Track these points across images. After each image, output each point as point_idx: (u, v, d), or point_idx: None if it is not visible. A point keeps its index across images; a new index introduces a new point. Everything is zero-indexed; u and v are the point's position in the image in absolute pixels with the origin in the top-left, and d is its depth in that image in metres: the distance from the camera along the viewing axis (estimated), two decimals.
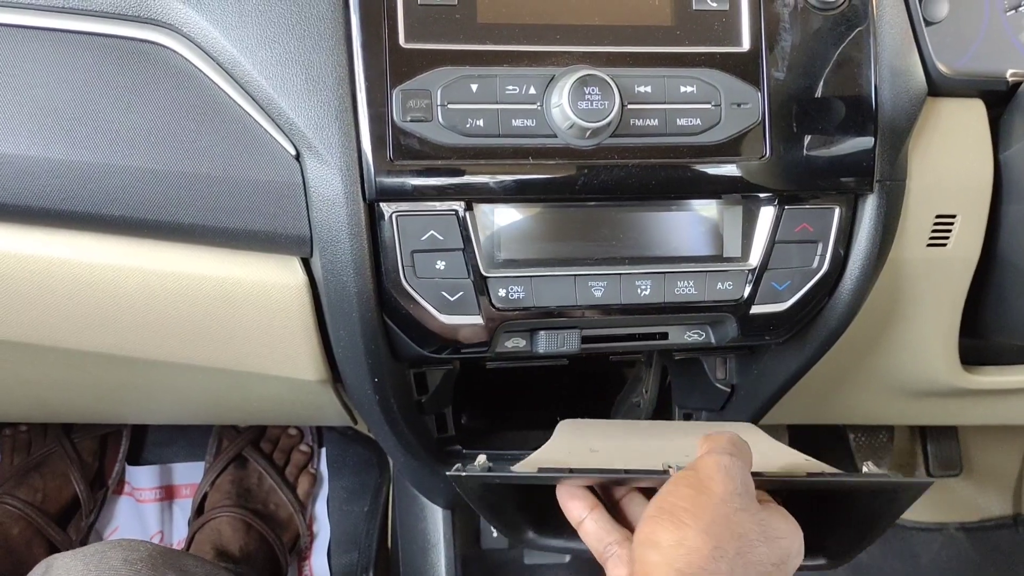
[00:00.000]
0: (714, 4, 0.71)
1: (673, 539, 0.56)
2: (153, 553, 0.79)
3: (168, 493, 1.48)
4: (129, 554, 0.78)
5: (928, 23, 0.80)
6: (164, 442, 1.51)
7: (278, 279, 0.72)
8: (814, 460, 0.74)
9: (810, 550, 0.66)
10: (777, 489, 0.69)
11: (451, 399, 0.93)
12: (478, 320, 0.71)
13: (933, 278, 0.84)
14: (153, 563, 0.78)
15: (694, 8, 0.71)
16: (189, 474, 1.49)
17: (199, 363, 0.80)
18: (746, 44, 0.71)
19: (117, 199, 0.67)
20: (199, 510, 1.41)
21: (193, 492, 1.47)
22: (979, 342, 0.94)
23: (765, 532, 0.59)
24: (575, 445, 0.78)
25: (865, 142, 0.73)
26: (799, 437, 1.49)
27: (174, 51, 0.67)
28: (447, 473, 0.68)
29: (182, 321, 0.75)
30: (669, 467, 0.65)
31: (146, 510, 1.45)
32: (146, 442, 1.51)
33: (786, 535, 0.61)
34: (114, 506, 1.46)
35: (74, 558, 0.78)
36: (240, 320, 0.74)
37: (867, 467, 0.69)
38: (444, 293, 0.70)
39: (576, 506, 0.67)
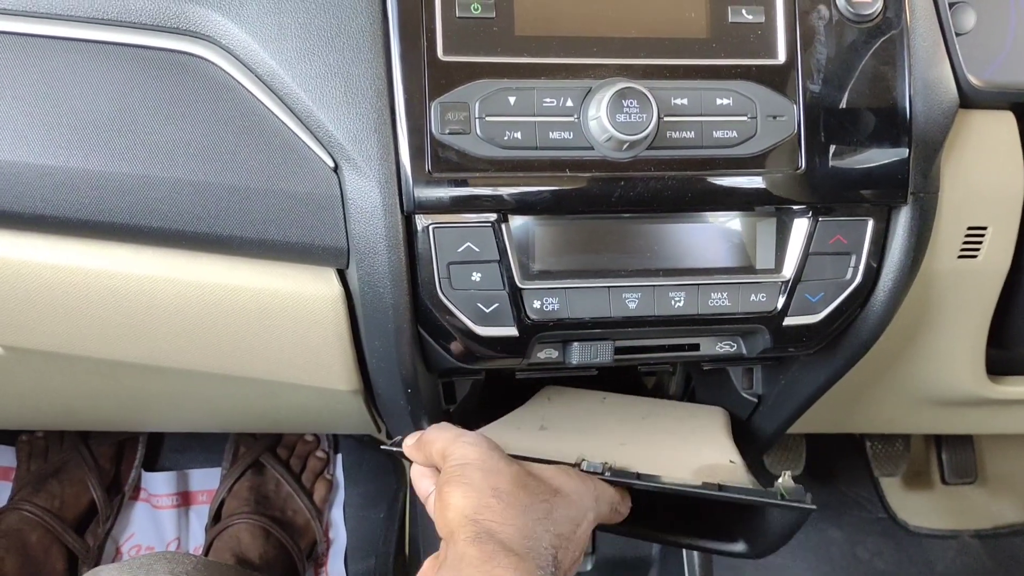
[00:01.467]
0: (750, 17, 0.71)
1: (457, 496, 0.63)
2: (198, 565, 0.79)
3: (185, 499, 1.48)
4: (175, 566, 0.78)
5: (957, 34, 0.80)
6: (180, 448, 1.51)
7: (314, 290, 0.73)
8: (739, 464, 0.78)
9: (731, 539, 0.77)
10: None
11: (476, 409, 0.93)
12: (513, 331, 0.71)
13: (963, 289, 0.84)
14: (198, 575, 0.78)
15: (730, 21, 0.71)
16: (206, 480, 1.49)
17: (232, 373, 0.80)
18: (782, 56, 0.71)
19: (155, 211, 0.67)
20: (216, 517, 1.41)
21: (210, 498, 1.46)
22: (1005, 352, 0.94)
23: (531, 473, 0.67)
24: (530, 420, 0.83)
25: (899, 154, 0.73)
26: (816, 445, 1.50)
27: (213, 63, 0.67)
28: (381, 447, 0.74)
29: (217, 332, 0.75)
30: (581, 460, 0.71)
31: (162, 516, 1.45)
32: (162, 448, 1.51)
33: (555, 477, 0.68)
34: (131, 512, 1.46)
35: (120, 570, 0.78)
36: (275, 331, 0.75)
37: (782, 478, 0.70)
38: (479, 304, 0.70)
39: (424, 485, 0.72)
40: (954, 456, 1.55)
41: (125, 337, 0.76)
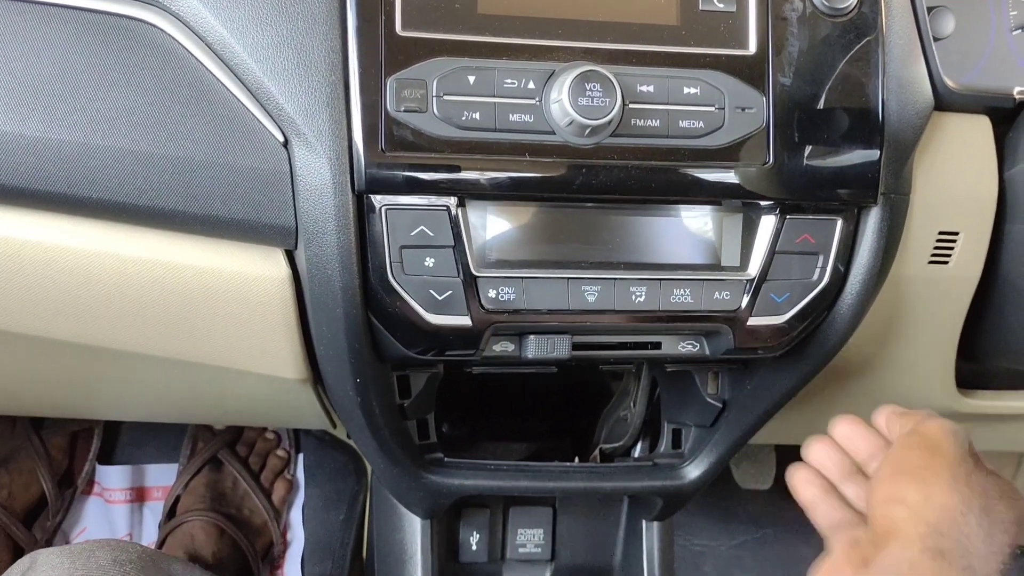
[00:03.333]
0: (721, 5, 0.69)
1: (920, 495, 0.57)
2: (143, 555, 0.77)
3: (139, 495, 1.44)
4: (118, 555, 0.75)
5: (936, 38, 0.78)
6: (137, 442, 1.47)
7: (260, 271, 0.70)
8: None
9: None
10: None
11: (434, 405, 0.91)
12: (466, 321, 0.69)
13: (933, 296, 0.82)
14: (143, 565, 0.75)
15: (701, 8, 0.69)
16: (162, 476, 1.45)
17: (175, 356, 0.77)
18: (752, 47, 0.69)
19: (96, 181, 0.64)
20: (171, 513, 1.37)
21: (165, 494, 1.43)
22: (975, 365, 0.92)
23: (1002, 490, 0.60)
24: None
25: (870, 154, 0.71)
26: (787, 459, 1.47)
27: (161, 30, 0.65)
28: None
29: (158, 311, 0.72)
30: None
31: (115, 511, 1.42)
32: (119, 441, 1.47)
33: (1020, 496, 0.61)
34: (83, 506, 1.42)
35: (60, 555, 0.75)
36: (219, 312, 0.72)
37: None
38: (432, 291, 0.68)
39: (808, 494, 0.70)
40: None
41: (62, 314, 0.73)
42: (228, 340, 0.75)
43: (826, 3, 0.70)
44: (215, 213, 0.66)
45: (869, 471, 0.69)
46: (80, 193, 0.65)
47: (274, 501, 1.42)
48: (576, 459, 1.02)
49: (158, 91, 0.64)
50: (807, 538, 1.62)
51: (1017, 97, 0.79)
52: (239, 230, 0.67)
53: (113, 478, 1.42)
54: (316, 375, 0.80)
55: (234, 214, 0.66)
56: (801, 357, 0.80)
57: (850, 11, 0.71)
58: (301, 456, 1.48)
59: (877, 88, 0.71)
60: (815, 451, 0.72)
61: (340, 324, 0.69)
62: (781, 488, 1.51)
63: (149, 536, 1.41)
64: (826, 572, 0.60)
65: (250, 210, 0.66)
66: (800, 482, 0.70)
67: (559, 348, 0.73)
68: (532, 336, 0.72)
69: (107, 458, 1.45)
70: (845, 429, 0.71)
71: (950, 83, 0.77)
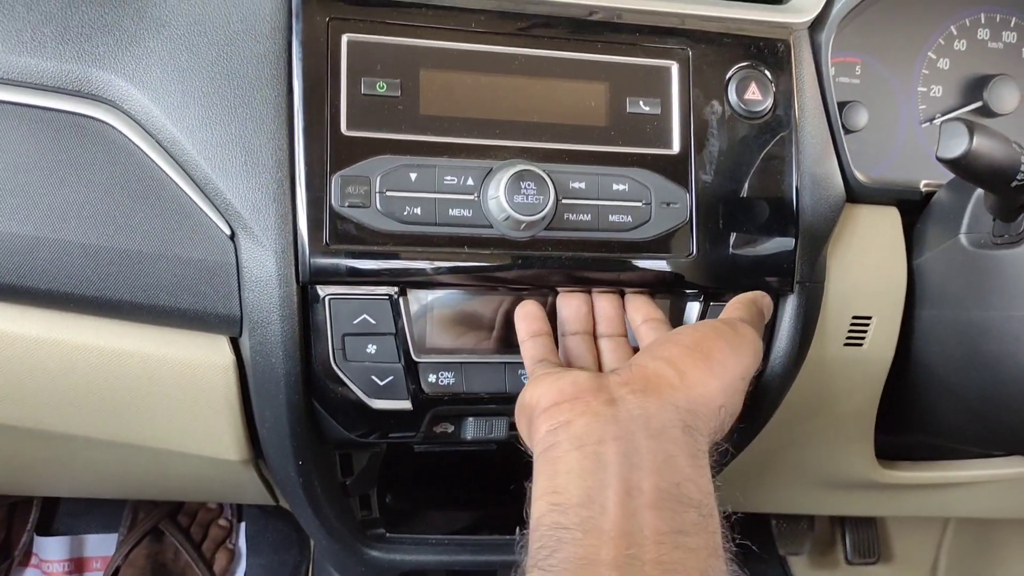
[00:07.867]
0: (647, 108, 0.74)
1: (701, 377, 0.61)
2: None
3: (78, 566, 1.42)
4: None
5: (848, 131, 0.84)
6: (77, 512, 1.45)
7: (205, 358, 0.72)
8: None
9: None
10: None
11: (376, 481, 0.92)
12: (407, 405, 0.71)
13: (850, 376, 0.86)
14: None
15: (628, 111, 0.73)
16: (102, 547, 1.43)
17: (119, 440, 0.78)
18: (676, 147, 0.74)
19: (45, 272, 0.66)
20: None
21: (105, 565, 1.41)
22: (894, 439, 0.97)
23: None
24: None
25: (786, 244, 0.76)
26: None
27: (113, 127, 0.67)
28: None
29: (103, 397, 0.73)
30: None
31: None
32: (57, 512, 1.45)
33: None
34: None
35: None
36: (163, 398, 0.73)
37: None
38: (374, 377, 0.70)
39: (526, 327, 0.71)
40: (857, 536, 1.57)
41: (6, 399, 0.73)
42: (171, 424, 0.76)
43: (743, 106, 0.75)
44: (162, 303, 0.68)
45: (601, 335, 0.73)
46: (29, 284, 0.66)
47: (216, 572, 1.40)
48: (518, 530, 1.04)
49: (108, 186, 0.66)
50: None
51: (924, 189, 0.84)
52: (185, 319, 0.69)
53: (51, 549, 1.40)
54: (258, 454, 0.81)
55: (180, 304, 0.68)
56: (728, 434, 0.84)
57: (765, 114, 0.76)
58: (243, 525, 1.47)
59: (792, 184, 0.76)
60: (569, 299, 0.73)
61: (283, 409, 0.71)
62: None
63: None
64: (548, 395, 0.61)
65: (196, 300, 0.68)
66: (525, 315, 0.71)
67: (497, 430, 0.76)
68: (471, 418, 0.75)
69: (46, 529, 1.43)
70: (606, 302, 0.74)
71: (861, 177, 0.83)
